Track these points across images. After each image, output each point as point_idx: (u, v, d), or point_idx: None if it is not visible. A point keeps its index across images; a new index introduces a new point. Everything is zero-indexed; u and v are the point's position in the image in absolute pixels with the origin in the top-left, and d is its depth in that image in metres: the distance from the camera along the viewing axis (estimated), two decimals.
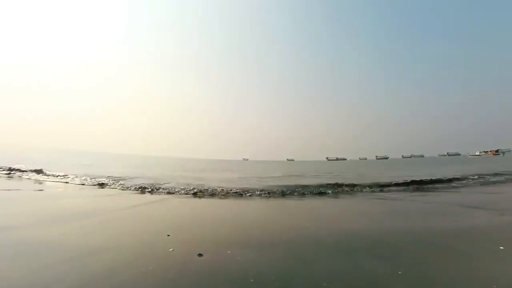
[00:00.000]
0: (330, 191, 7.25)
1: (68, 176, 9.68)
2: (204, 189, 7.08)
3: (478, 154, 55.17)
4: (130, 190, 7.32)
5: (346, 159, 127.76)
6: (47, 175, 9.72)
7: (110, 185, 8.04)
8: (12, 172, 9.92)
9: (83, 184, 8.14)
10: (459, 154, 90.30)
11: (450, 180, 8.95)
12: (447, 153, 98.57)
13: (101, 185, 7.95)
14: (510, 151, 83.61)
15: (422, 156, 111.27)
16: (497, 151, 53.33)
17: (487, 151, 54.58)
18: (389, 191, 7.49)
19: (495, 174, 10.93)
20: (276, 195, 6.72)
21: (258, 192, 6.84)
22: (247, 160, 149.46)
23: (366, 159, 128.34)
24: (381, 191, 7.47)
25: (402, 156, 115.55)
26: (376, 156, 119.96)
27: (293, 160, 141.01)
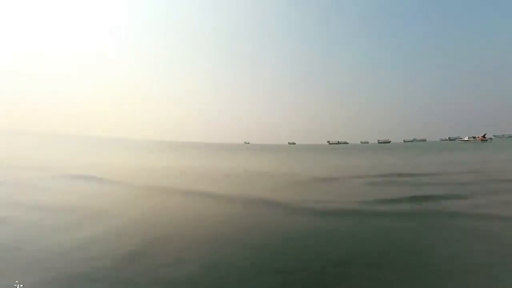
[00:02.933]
0: None
1: None
2: None
3: (466, 139, 54.58)
4: None
5: (347, 143, 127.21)
6: None
7: None
8: None
9: None
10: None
11: None
12: (449, 137, 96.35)
13: None
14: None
15: (425, 140, 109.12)
16: (484, 136, 52.44)
17: (475, 137, 53.82)
18: None
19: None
20: None
21: None
22: (248, 143, 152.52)
23: (367, 143, 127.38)
24: None
25: (404, 140, 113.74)
26: (378, 140, 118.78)
27: (295, 144, 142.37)
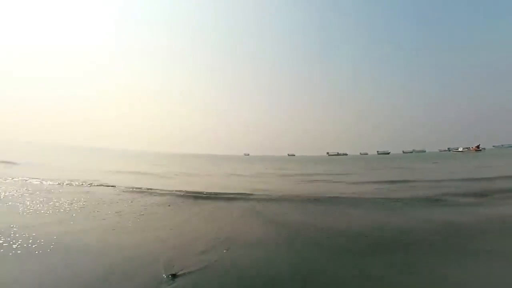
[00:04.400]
0: None
1: None
2: None
3: (461, 150, 54.27)
4: None
5: (347, 154, 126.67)
6: None
7: None
8: None
9: None
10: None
11: None
12: (448, 148, 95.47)
13: None
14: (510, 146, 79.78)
15: (424, 151, 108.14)
16: (478, 147, 52.13)
17: (469, 147, 53.59)
18: None
19: None
20: None
21: None
22: (248, 155, 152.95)
23: (367, 154, 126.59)
24: None
25: (403, 151, 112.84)
26: (377, 151, 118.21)
27: (294, 155, 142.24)
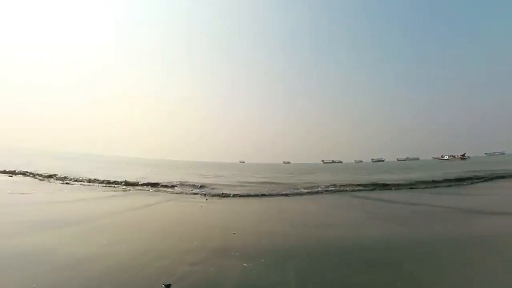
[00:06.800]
0: None
1: None
2: None
3: (446, 158, 54.58)
4: None
5: (342, 162, 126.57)
6: None
7: None
8: None
9: None
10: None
11: None
12: (441, 155, 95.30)
13: None
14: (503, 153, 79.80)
15: (418, 158, 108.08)
16: (463, 155, 52.41)
17: (454, 156, 53.98)
18: None
19: None
20: None
21: None
22: (244, 162, 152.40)
23: (361, 162, 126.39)
24: None
25: (397, 159, 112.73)
26: (372, 159, 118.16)
27: (289, 163, 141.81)
